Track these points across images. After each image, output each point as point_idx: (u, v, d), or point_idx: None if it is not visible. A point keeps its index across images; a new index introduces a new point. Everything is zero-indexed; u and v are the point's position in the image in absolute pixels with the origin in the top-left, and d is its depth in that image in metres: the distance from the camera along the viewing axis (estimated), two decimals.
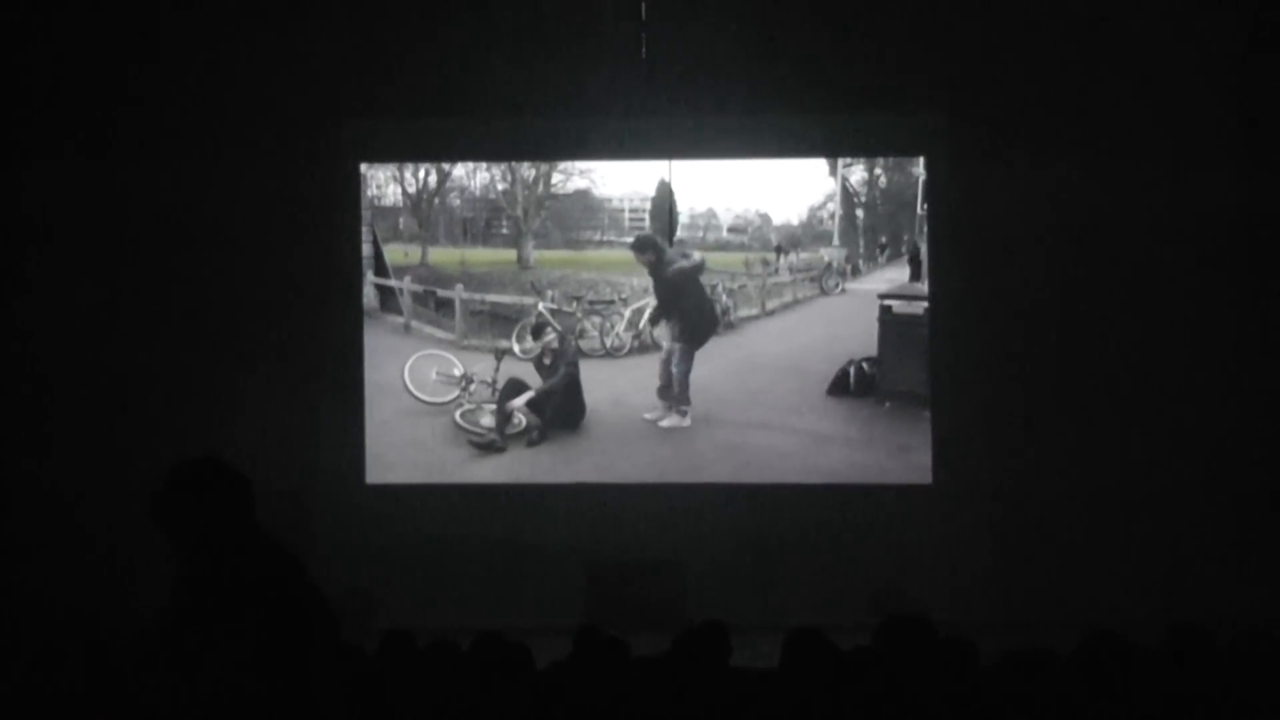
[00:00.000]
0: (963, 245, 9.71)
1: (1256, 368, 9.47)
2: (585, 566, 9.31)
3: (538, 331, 10.05)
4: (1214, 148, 9.37)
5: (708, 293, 10.09)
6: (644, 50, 9.20)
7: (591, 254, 10.23)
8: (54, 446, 9.39)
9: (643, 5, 9.15)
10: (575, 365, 10.02)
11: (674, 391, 9.98)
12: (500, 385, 10.01)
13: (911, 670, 4.62)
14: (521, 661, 4.79)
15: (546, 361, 10.03)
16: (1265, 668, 4.63)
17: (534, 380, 10.05)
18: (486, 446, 9.94)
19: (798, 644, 4.87)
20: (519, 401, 9.96)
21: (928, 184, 9.96)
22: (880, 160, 10.21)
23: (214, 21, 9.35)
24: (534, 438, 9.93)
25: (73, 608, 8.58)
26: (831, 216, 10.19)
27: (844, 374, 9.99)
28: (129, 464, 9.29)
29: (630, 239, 10.14)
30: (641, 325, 10.13)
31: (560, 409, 9.98)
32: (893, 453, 9.85)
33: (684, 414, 9.99)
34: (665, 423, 9.97)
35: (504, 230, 10.28)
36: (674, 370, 10.00)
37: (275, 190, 9.44)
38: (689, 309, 10.07)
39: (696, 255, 10.11)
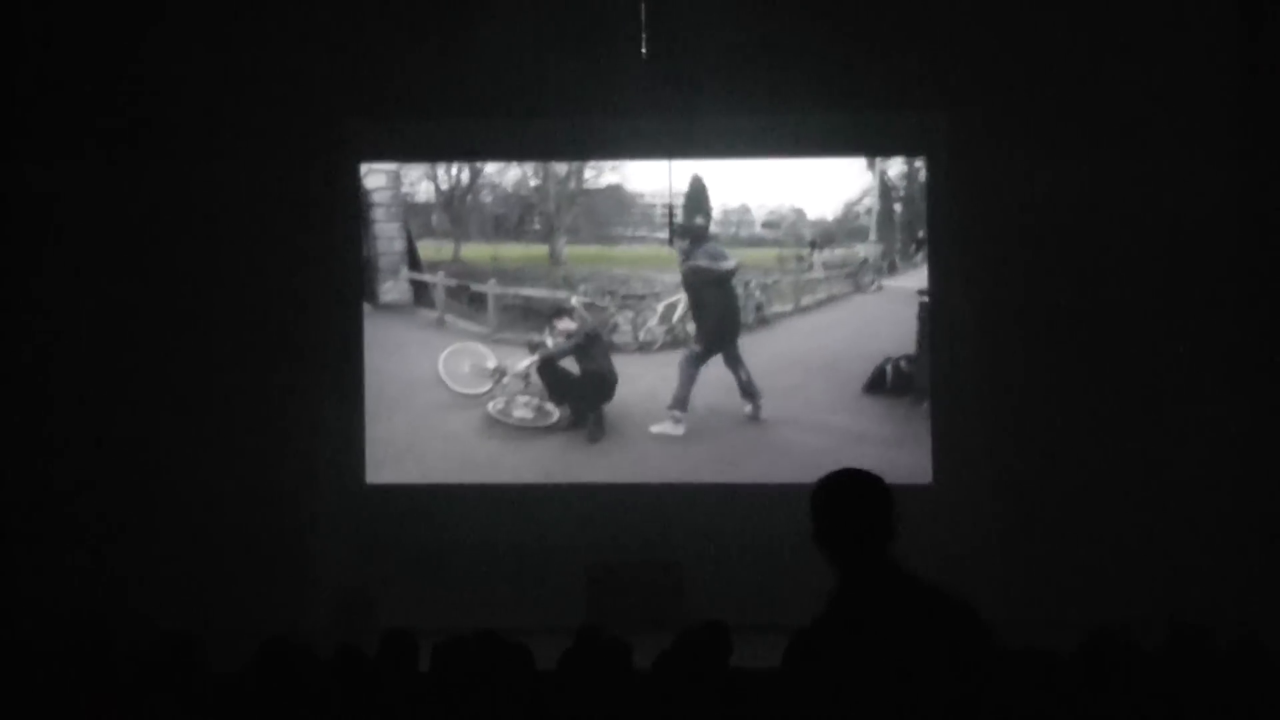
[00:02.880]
0: (963, 244, 9.64)
1: (1258, 366, 9.35)
2: (586, 567, 9.26)
3: (555, 314, 10.06)
4: (1215, 145, 9.29)
5: (736, 300, 9.97)
6: (644, 49, 9.16)
7: (624, 249, 10.21)
8: (54, 445, 9.44)
9: (642, 4, 9.10)
10: (593, 333, 9.98)
11: (674, 394, 9.91)
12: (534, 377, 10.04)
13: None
14: (521, 661, 4.80)
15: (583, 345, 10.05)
16: (1265, 668, 4.58)
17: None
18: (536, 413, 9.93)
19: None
20: (533, 360, 9.93)
21: (928, 183, 9.90)
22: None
23: (215, 21, 9.37)
24: (594, 433, 9.91)
25: (73, 608, 8.68)
26: (868, 212, 10.11)
27: (880, 372, 9.91)
28: (130, 463, 9.42)
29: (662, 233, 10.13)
30: (674, 320, 10.10)
31: (587, 376, 9.97)
32: (930, 452, 9.77)
33: (677, 421, 9.91)
34: (656, 428, 9.91)
35: (536, 226, 10.29)
36: (678, 372, 9.94)
37: (276, 190, 9.46)
38: (706, 314, 9.99)
39: (726, 262, 9.97)
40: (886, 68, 9.35)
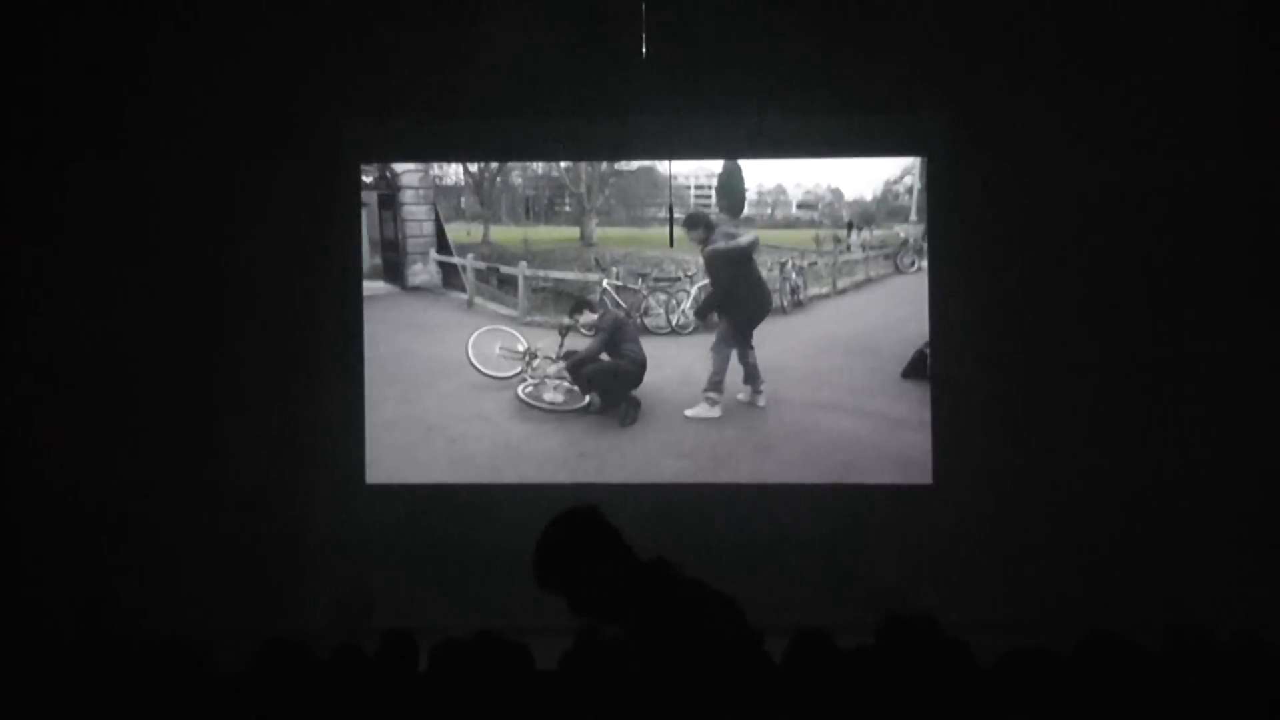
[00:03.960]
0: (963, 246, 9.50)
1: (1258, 367, 9.22)
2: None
3: (575, 309, 9.98)
4: (1215, 145, 9.15)
5: (761, 278, 9.86)
6: (644, 49, 9.07)
7: (656, 231, 10.05)
8: (51, 445, 9.44)
9: (643, 5, 8.99)
10: (614, 329, 9.88)
11: (710, 378, 9.80)
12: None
13: (913, 670, 4.53)
14: (521, 661, 4.77)
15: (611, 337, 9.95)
16: (1264, 667, 4.50)
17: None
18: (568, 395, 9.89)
19: (800, 645, 4.80)
20: (561, 366, 9.91)
21: (928, 183, 9.72)
22: None
23: (216, 20, 9.34)
24: (627, 417, 9.80)
25: (73, 608, 8.72)
26: (909, 191, 9.94)
27: (920, 355, 9.73)
28: (130, 462, 9.42)
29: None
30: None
31: (616, 365, 9.89)
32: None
33: (713, 403, 9.80)
34: (690, 411, 9.80)
35: (566, 208, 10.20)
36: (711, 355, 9.82)
37: (276, 190, 9.40)
38: (727, 293, 9.85)
39: (744, 237, 9.84)
40: (887, 68, 9.20)
